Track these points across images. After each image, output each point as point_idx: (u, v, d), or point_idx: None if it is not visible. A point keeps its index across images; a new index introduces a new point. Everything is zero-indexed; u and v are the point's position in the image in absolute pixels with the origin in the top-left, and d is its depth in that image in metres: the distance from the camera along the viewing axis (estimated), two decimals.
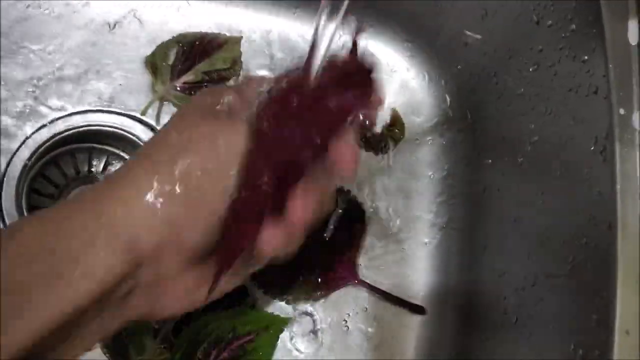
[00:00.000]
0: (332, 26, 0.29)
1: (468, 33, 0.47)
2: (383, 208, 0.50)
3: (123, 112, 0.48)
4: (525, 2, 0.42)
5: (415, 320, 0.48)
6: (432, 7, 0.49)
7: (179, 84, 0.49)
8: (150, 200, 0.26)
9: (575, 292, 0.38)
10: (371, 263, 0.49)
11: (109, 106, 0.48)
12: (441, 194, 0.51)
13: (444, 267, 0.50)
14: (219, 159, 0.27)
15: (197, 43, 0.50)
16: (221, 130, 0.28)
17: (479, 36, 0.47)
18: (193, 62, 0.49)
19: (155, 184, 0.26)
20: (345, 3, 0.29)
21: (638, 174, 0.35)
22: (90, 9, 0.51)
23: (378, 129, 0.51)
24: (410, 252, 0.50)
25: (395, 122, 0.52)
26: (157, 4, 0.52)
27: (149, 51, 0.50)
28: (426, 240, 0.50)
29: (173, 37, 0.50)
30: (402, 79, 0.54)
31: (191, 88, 0.49)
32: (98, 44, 0.50)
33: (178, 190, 0.26)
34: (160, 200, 0.26)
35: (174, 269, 0.28)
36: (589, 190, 0.37)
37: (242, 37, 0.52)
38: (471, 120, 0.50)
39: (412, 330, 0.48)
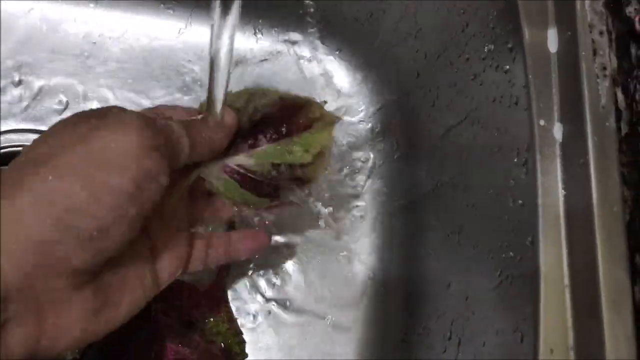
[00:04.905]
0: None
1: None
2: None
3: None
4: (454, 8, 0.41)
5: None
6: (365, 14, 0.48)
7: (230, 162, 0.31)
8: (15, 218, 0.22)
9: (502, 307, 0.37)
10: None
11: None
12: (378, 212, 0.50)
13: (386, 277, 0.49)
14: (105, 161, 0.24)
15: (275, 107, 0.32)
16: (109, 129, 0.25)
17: None
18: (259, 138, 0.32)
19: (21, 199, 0.23)
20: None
21: (559, 188, 0.34)
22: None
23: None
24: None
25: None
26: None
27: None
28: (368, 247, 0.49)
29: (246, 87, 0.32)
30: (334, 86, 0.52)
31: (242, 176, 0.31)
32: None
33: (50, 201, 0.23)
34: (29, 217, 0.22)
35: (56, 293, 0.24)
36: (513, 203, 0.36)
37: (340, 118, 0.34)
38: (406, 130, 0.49)
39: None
